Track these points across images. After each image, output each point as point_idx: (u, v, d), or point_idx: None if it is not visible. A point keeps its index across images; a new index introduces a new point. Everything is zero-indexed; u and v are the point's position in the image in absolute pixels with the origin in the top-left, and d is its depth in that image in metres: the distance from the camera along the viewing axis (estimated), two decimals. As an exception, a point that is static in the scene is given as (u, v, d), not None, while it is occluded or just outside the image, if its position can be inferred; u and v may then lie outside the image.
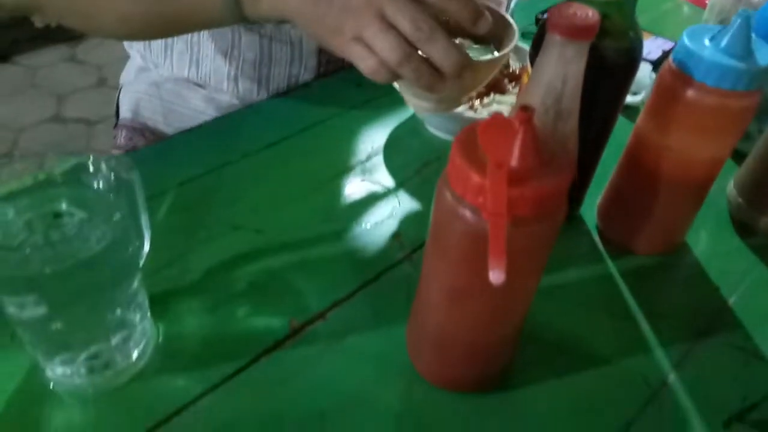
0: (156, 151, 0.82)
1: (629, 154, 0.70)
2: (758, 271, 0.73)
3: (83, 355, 0.52)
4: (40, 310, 0.47)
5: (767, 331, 0.66)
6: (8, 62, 2.69)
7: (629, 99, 0.93)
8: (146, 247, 0.59)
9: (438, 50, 0.58)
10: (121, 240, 0.50)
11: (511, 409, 0.57)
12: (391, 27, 0.58)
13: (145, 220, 0.58)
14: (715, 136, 0.63)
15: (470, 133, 0.44)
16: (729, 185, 0.80)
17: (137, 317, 0.54)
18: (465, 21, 0.61)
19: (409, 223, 0.74)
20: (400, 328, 0.60)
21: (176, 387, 0.55)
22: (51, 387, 0.53)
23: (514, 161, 0.40)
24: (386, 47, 0.58)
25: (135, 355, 0.55)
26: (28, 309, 0.47)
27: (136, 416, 0.52)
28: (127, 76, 1.11)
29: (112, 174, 0.51)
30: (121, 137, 1.04)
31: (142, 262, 0.58)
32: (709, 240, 0.77)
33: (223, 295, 0.63)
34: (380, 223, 0.73)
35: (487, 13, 0.62)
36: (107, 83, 2.62)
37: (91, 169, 0.51)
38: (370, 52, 0.59)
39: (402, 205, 0.76)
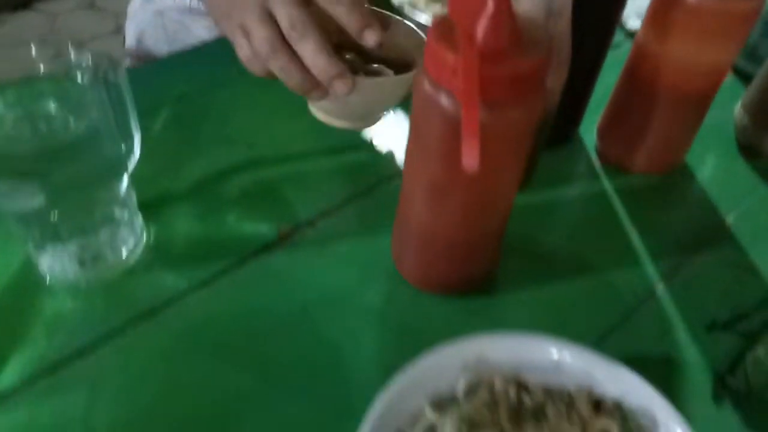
0: (155, 67, 0.82)
1: (629, 68, 0.68)
2: (761, 191, 0.71)
3: (72, 247, 0.53)
4: (31, 199, 0.49)
5: (764, 249, 0.65)
6: (29, 9, 2.71)
7: (634, 24, 0.90)
8: (136, 151, 0.60)
9: (307, 52, 0.55)
10: (106, 133, 0.51)
11: (492, 312, 0.58)
12: (271, 20, 0.57)
13: (134, 123, 0.59)
14: (715, 43, 0.61)
15: (447, 20, 0.43)
16: (736, 107, 0.78)
17: (125, 215, 0.56)
18: (351, 30, 0.58)
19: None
20: (387, 239, 0.60)
21: (165, 283, 0.56)
22: (46, 281, 0.55)
23: (484, 32, 0.39)
24: (258, 38, 0.57)
25: (124, 252, 0.57)
26: (17, 197, 0.49)
27: (126, 308, 0.54)
28: (132, 6, 1.11)
29: (100, 70, 0.51)
30: (126, 65, 1.04)
31: (132, 166, 0.59)
32: (711, 161, 0.75)
33: (214, 202, 0.64)
34: (375, 140, 0.73)
35: (376, 25, 0.58)
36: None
37: (78, 64, 0.51)
38: (248, 42, 0.58)
39: (399, 122, 0.76)
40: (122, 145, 0.59)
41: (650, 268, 0.62)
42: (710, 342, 0.56)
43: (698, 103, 0.67)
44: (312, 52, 0.55)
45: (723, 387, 0.53)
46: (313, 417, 0.49)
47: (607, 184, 0.71)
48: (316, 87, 0.58)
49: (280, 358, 0.52)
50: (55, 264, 0.55)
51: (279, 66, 0.57)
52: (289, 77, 0.58)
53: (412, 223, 0.54)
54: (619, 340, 0.56)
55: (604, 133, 0.74)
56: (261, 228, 0.62)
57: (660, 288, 0.61)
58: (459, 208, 0.50)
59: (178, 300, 0.55)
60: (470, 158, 0.42)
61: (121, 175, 0.54)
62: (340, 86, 0.56)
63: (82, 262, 0.55)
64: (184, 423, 0.48)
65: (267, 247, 0.61)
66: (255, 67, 0.60)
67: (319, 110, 0.67)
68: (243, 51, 0.59)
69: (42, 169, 0.47)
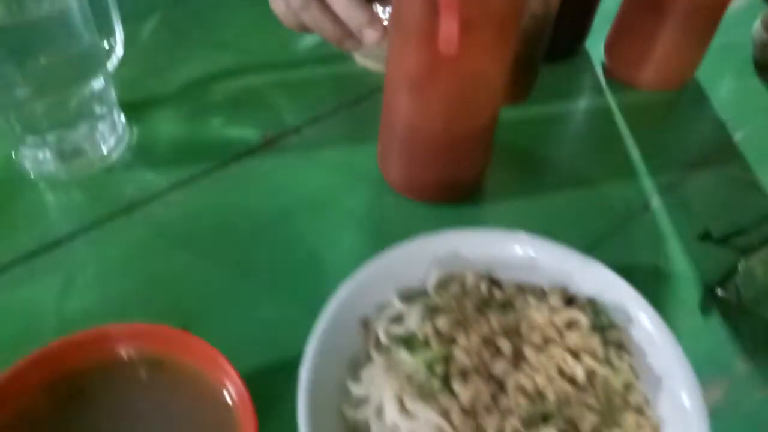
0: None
1: (638, -25, 0.64)
2: (775, 110, 0.68)
3: (52, 139, 0.53)
4: (10, 86, 0.49)
5: (772, 167, 0.62)
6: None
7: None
8: (119, 50, 0.59)
9: (337, 3, 0.54)
10: (82, 23, 0.49)
11: (478, 221, 0.56)
12: None
13: (116, 19, 0.58)
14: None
15: None
16: (755, 24, 0.73)
17: (103, 110, 0.55)
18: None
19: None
20: (374, 148, 0.58)
21: (145, 181, 0.56)
22: (30, 175, 0.55)
23: None
24: None
25: (105, 149, 0.56)
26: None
27: (105, 203, 0.54)
28: None
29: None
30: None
31: (113, 64, 0.58)
32: (724, 79, 0.71)
33: (200, 106, 0.63)
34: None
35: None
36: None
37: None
38: None
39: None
40: (104, 41, 0.58)
41: (648, 182, 0.60)
42: (703, 255, 0.54)
43: (709, 14, 0.62)
44: (342, 3, 0.54)
45: (712, 298, 0.51)
46: (288, 313, 0.48)
47: (612, 100, 0.68)
48: (349, 37, 0.57)
49: (257, 256, 0.52)
50: (36, 157, 0.54)
51: (311, 18, 0.56)
52: (322, 29, 0.57)
53: (396, 122, 0.52)
54: (609, 249, 0.54)
55: (611, 47, 0.70)
56: (246, 133, 0.61)
57: (656, 201, 0.58)
58: (441, 99, 0.47)
59: (158, 197, 0.55)
60: (449, 36, 0.40)
61: (98, 70, 0.53)
62: (371, 34, 0.55)
63: (61, 156, 0.54)
64: (158, 315, 0.48)
65: (251, 151, 0.59)
66: (289, 20, 0.59)
67: (364, 59, 0.67)
68: (277, 5, 0.58)
69: (15, 46, 0.46)
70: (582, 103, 0.68)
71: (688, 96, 0.69)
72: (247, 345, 0.44)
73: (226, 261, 0.51)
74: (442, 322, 0.38)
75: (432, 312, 0.40)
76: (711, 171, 0.61)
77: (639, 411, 0.38)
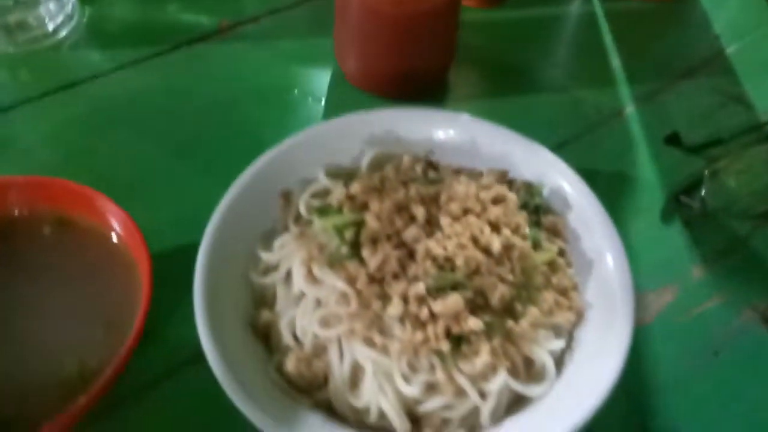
0: None
1: None
2: (775, 26, 0.62)
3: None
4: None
5: (761, 82, 0.57)
6: None
7: None
8: None
9: None
10: None
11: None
12: None
13: None
14: None
15: None
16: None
17: (48, -17, 0.53)
18: None
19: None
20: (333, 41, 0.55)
21: (92, 60, 0.54)
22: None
23: None
24: None
25: (51, 25, 0.54)
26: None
27: (48, 78, 0.52)
28: None
29: None
30: None
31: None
32: (726, -8, 0.66)
33: (158, -9, 0.60)
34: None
35: None
36: None
37: None
38: None
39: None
40: None
41: (625, 90, 0.56)
42: (671, 163, 0.50)
43: None
44: None
45: (676, 206, 0.48)
46: (220, 198, 0.46)
47: (600, 8, 0.63)
48: None
49: (199, 140, 0.49)
50: (-21, 30, 0.53)
51: None
52: None
53: (350, 3, 0.48)
54: (575, 152, 0.50)
55: (604, -49, 0.65)
56: (201, 19, 0.58)
57: (630, 109, 0.54)
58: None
59: (103, 76, 0.53)
60: None
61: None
62: None
63: (6, 29, 0.52)
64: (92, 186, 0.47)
65: (205, 37, 0.57)
66: None
67: None
68: None
69: None
70: (566, 9, 0.64)
71: (683, 8, 0.64)
72: (173, 225, 0.42)
73: (165, 142, 0.49)
74: (356, 187, 0.36)
75: (350, 180, 0.37)
76: (695, 82, 0.57)
77: (562, 293, 0.35)
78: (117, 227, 0.36)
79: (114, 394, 0.36)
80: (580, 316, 0.35)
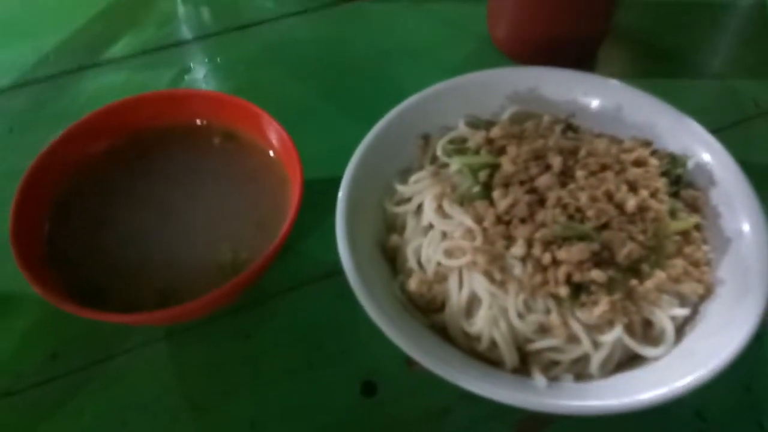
0: None
1: None
2: None
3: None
4: None
5: None
6: None
7: None
8: None
9: None
10: None
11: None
12: None
13: None
14: None
15: None
16: None
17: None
18: None
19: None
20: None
21: (265, 6, 0.59)
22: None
23: None
24: None
25: (236, -29, 0.60)
26: None
27: (226, 18, 0.58)
28: None
29: None
30: None
31: None
32: None
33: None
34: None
35: None
36: None
37: None
38: None
39: None
40: None
41: (790, 84, 0.52)
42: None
43: None
44: None
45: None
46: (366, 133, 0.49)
47: (773, -2, 0.60)
48: None
49: (349, 86, 0.53)
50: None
51: None
52: None
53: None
54: (727, 141, 0.48)
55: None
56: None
57: (794, 107, 0.51)
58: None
59: (273, 21, 0.58)
60: None
61: None
62: None
63: (198, -28, 0.59)
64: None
65: (366, -6, 0.61)
66: None
67: None
68: None
69: None
70: (737, -2, 0.60)
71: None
72: (319, 158, 0.46)
73: (319, 84, 0.53)
74: (496, 132, 0.37)
75: (489, 128, 0.39)
76: None
77: (694, 264, 0.34)
78: (276, 145, 0.41)
79: (257, 292, 0.41)
80: (709, 290, 0.34)
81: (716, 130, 0.49)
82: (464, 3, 0.59)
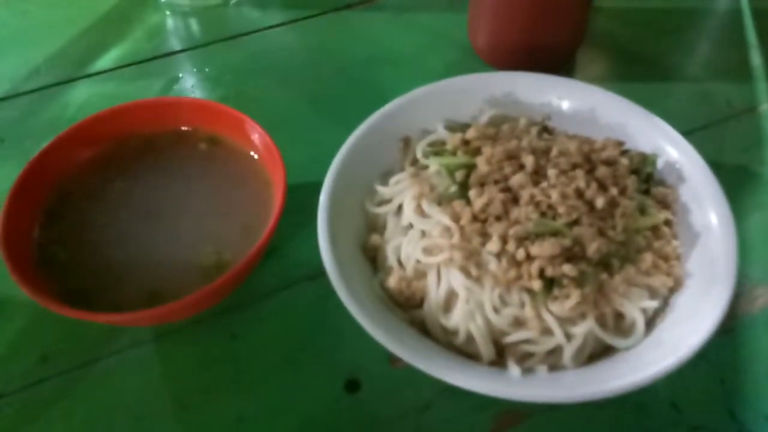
0: None
1: None
2: None
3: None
4: None
5: None
6: None
7: None
8: None
9: None
10: None
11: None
12: None
13: None
14: None
15: None
16: None
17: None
18: None
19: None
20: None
21: (252, 18, 0.61)
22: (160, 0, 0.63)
23: None
24: None
25: (222, -14, 0.62)
26: None
27: (213, 30, 0.60)
28: None
29: None
30: None
31: None
32: None
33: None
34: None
35: None
36: None
37: None
38: None
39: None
40: None
41: (762, 87, 0.54)
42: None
43: None
44: None
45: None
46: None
47: (745, 4, 0.61)
48: None
49: (333, 92, 0.54)
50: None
51: None
52: None
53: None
54: (700, 142, 0.49)
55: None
56: (350, -10, 0.64)
57: (766, 107, 0.52)
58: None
59: (259, 32, 0.60)
60: None
61: None
62: None
63: (184, -14, 0.61)
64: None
65: (350, 5, 0.62)
66: None
67: None
68: None
69: None
70: (711, 3, 0.62)
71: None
72: (303, 162, 0.47)
73: (303, 91, 0.55)
74: (472, 133, 0.39)
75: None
76: None
77: (663, 258, 0.35)
78: (260, 148, 0.42)
79: (243, 293, 0.42)
80: (679, 283, 0.35)
81: (691, 131, 0.51)
82: (446, 12, 0.61)
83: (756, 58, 0.56)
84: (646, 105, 0.52)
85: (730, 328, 0.41)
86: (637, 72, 0.56)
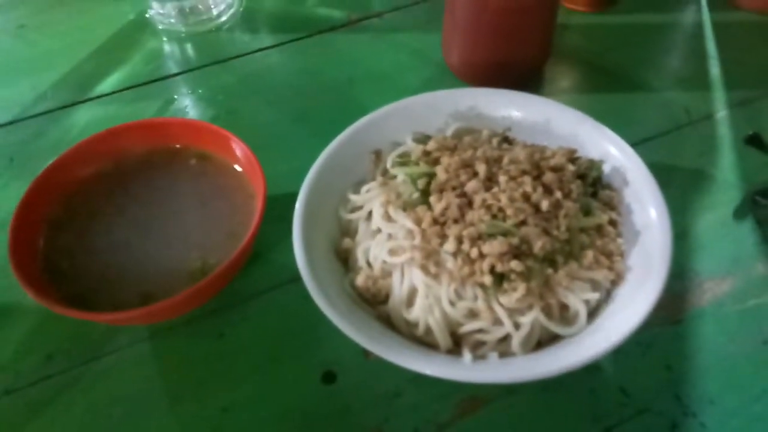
0: None
1: None
2: None
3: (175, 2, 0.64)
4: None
5: None
6: None
7: None
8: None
9: None
10: None
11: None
12: None
13: None
14: None
15: None
16: None
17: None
18: None
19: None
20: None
21: (243, 41, 0.66)
22: (158, 26, 0.67)
23: None
24: None
25: (215, 12, 0.67)
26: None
27: (207, 53, 0.64)
28: None
29: None
30: None
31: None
32: None
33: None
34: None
35: None
36: None
37: None
38: None
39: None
40: None
41: (720, 96, 0.57)
42: (753, 167, 0.51)
43: None
44: None
45: (752, 206, 0.49)
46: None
47: (707, 17, 0.65)
48: None
49: (318, 110, 0.59)
50: (163, 12, 0.66)
51: None
52: None
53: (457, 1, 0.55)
54: (657, 147, 0.53)
55: (720, -36, 0.67)
56: (334, 13, 0.68)
57: (722, 114, 0.56)
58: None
59: (250, 55, 0.64)
60: None
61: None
62: None
63: (182, 13, 0.66)
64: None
65: (335, 28, 0.66)
66: None
67: None
68: None
69: None
70: (674, 17, 0.66)
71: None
72: (285, 175, 0.50)
73: (289, 110, 0.59)
74: (432, 145, 0.42)
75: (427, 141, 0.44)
76: (798, 92, 0.57)
77: (606, 255, 0.39)
78: (244, 162, 0.46)
79: (230, 296, 0.46)
80: (620, 277, 0.39)
81: (651, 137, 0.55)
82: (424, 33, 0.65)
83: (714, 69, 0.60)
84: (611, 114, 0.56)
85: (680, 320, 0.44)
86: (602, 84, 0.60)
